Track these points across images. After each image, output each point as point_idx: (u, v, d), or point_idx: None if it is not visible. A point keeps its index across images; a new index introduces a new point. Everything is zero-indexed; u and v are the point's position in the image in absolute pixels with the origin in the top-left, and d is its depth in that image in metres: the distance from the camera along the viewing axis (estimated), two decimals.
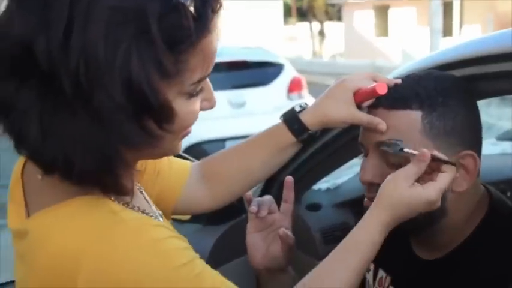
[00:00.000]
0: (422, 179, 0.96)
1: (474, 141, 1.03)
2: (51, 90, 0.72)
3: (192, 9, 0.76)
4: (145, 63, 0.73)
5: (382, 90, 1.01)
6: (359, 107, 1.08)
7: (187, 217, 1.58)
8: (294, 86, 6.23)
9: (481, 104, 1.07)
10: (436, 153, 0.96)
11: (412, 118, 1.00)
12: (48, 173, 0.78)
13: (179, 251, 0.81)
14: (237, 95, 5.72)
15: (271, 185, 1.79)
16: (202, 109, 0.88)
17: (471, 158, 1.00)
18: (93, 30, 0.70)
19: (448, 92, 1.01)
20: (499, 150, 2.38)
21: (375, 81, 1.07)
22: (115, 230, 0.78)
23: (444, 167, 0.96)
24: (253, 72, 6.12)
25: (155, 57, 0.73)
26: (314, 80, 11.90)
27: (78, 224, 0.79)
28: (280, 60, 6.48)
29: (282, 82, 6.20)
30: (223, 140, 5.25)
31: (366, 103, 1.07)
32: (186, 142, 1.35)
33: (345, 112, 1.08)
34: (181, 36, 0.75)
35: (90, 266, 0.75)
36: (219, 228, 1.74)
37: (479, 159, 1.03)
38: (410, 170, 0.95)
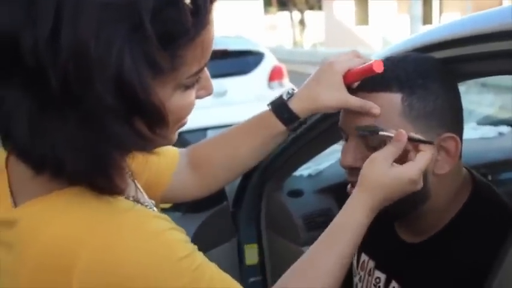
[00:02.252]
0: (400, 160, 0.95)
1: (455, 124, 1.03)
2: (39, 89, 0.69)
3: (189, 1, 0.72)
4: (138, 61, 0.69)
5: (379, 68, 0.98)
6: (349, 88, 1.05)
7: (167, 205, 1.57)
8: (274, 75, 6.21)
9: (461, 90, 1.06)
10: (413, 134, 0.96)
11: (391, 100, 0.99)
12: (38, 172, 0.74)
13: (180, 243, 0.79)
14: (218, 84, 5.68)
15: (252, 173, 1.79)
16: (199, 97, 0.85)
17: (452, 140, 1.00)
18: (83, 27, 0.66)
19: (427, 74, 1.00)
20: (480, 135, 2.40)
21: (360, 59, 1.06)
22: (115, 221, 0.75)
23: (422, 146, 0.96)
24: (234, 61, 6.08)
25: (149, 55, 0.70)
26: (295, 68, 11.92)
27: (74, 213, 0.75)
28: (261, 49, 6.46)
29: (262, 71, 6.19)
30: (204, 130, 5.19)
31: (355, 84, 1.05)
32: None
33: (336, 97, 1.05)
34: (178, 32, 0.72)
35: (90, 257, 0.71)
36: (199, 216, 1.73)
37: (461, 142, 1.02)
38: (388, 151, 0.95)
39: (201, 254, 0.81)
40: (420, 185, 0.96)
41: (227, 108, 5.59)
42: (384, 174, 0.94)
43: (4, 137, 0.75)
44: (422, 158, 0.95)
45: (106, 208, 0.76)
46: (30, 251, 0.73)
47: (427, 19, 17.37)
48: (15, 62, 0.68)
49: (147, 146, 0.77)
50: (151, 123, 0.74)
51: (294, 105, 1.11)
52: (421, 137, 0.97)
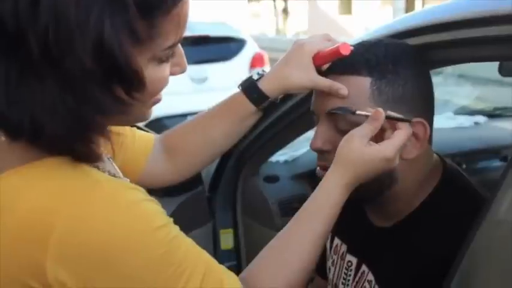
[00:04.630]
0: (377, 138, 0.96)
1: (425, 109, 1.03)
2: (18, 53, 0.69)
3: None
4: (118, 28, 0.70)
5: (346, 51, 0.99)
6: (319, 70, 1.06)
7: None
8: (256, 62, 6.19)
9: (438, 81, 1.07)
10: (390, 112, 0.96)
11: (361, 84, 0.99)
12: (15, 138, 0.74)
13: (156, 213, 0.79)
14: (199, 70, 5.65)
15: (228, 158, 1.79)
16: (172, 74, 0.85)
17: (421, 125, 1.00)
18: None
19: (398, 59, 1.01)
20: (456, 124, 2.41)
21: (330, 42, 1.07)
22: (91, 191, 0.75)
23: (399, 124, 0.96)
24: (216, 48, 6.04)
25: (128, 22, 0.70)
26: (277, 56, 11.72)
27: (51, 183, 0.75)
28: (243, 36, 6.43)
29: (244, 57, 6.15)
30: (184, 116, 5.18)
31: (325, 66, 1.06)
32: None
33: (305, 77, 1.06)
34: (156, 1, 0.73)
35: (65, 226, 0.71)
36: (175, 200, 1.73)
37: (431, 128, 1.03)
38: (365, 129, 0.95)
39: (176, 227, 0.81)
40: (396, 163, 0.96)
41: (208, 94, 5.54)
42: (360, 152, 0.94)
43: None
44: (399, 136, 0.95)
45: (82, 178, 0.76)
46: (7, 222, 0.73)
47: (409, 10, 17.40)
48: None
49: (125, 111, 0.77)
50: (129, 86, 0.75)
51: (264, 85, 1.12)
52: (399, 115, 0.97)
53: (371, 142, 0.95)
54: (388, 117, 0.96)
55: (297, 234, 0.94)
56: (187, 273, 0.78)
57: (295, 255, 0.92)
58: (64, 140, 0.74)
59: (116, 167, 0.96)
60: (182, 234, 0.82)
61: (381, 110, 0.94)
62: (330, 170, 0.97)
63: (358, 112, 0.97)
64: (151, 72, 0.78)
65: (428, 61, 1.07)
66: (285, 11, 27.12)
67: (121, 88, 0.74)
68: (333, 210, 0.94)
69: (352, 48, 1.01)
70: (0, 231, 0.73)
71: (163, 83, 0.83)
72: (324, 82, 1.03)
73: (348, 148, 0.95)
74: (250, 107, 1.14)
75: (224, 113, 1.17)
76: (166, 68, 0.82)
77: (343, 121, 1.01)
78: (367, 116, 0.96)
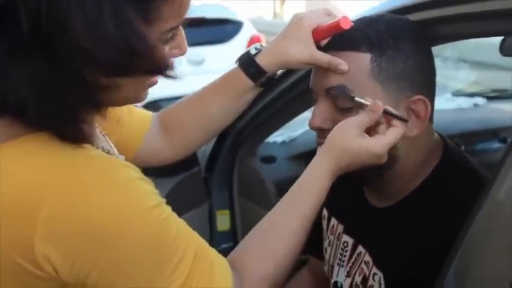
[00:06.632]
0: (370, 130, 0.95)
1: (426, 86, 1.01)
2: (9, 30, 0.67)
3: None
4: (118, 9, 0.68)
5: (346, 25, 0.97)
6: (318, 46, 1.04)
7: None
8: (253, 44, 6.17)
9: (437, 64, 1.05)
10: (388, 108, 0.95)
11: (360, 60, 0.97)
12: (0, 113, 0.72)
13: (148, 193, 0.77)
14: (196, 53, 5.63)
15: (225, 138, 1.77)
16: (172, 56, 0.82)
17: (422, 102, 0.98)
18: None
19: (399, 35, 0.98)
20: (455, 106, 2.40)
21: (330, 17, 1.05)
22: (82, 166, 0.73)
23: (395, 121, 0.95)
24: (212, 30, 6.03)
25: (129, 4, 0.69)
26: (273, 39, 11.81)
27: (40, 158, 0.72)
28: (239, 18, 6.42)
29: (241, 40, 6.13)
30: (181, 98, 5.19)
31: (325, 41, 1.04)
32: None
33: (304, 52, 1.04)
34: None
35: (54, 203, 0.69)
36: (170, 181, 1.72)
37: (432, 105, 1.01)
38: (361, 120, 0.94)
39: (169, 208, 0.80)
40: (384, 159, 0.95)
41: (204, 76, 5.50)
42: (352, 141, 0.93)
43: None
44: (393, 134, 0.94)
45: (73, 154, 0.74)
46: None
47: None
48: None
49: (117, 90, 0.75)
50: (126, 71, 0.73)
51: (261, 60, 1.10)
52: (397, 112, 0.95)
53: (365, 134, 0.94)
54: (385, 112, 0.94)
55: (283, 218, 0.93)
56: (178, 254, 0.77)
57: (282, 238, 0.91)
58: (51, 120, 0.72)
59: (111, 144, 0.94)
60: (174, 215, 0.80)
61: (379, 103, 0.93)
62: (318, 152, 0.96)
63: (356, 99, 0.95)
64: None
65: (430, 37, 1.05)
66: None
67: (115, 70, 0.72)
68: (318, 194, 0.94)
69: (352, 22, 0.98)
70: None
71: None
72: (323, 57, 1.00)
73: (340, 134, 0.94)
74: (248, 82, 1.12)
75: (222, 88, 1.15)
76: (165, 50, 0.80)
77: (342, 99, 0.99)
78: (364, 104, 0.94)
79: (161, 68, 0.76)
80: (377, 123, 0.95)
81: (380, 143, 0.93)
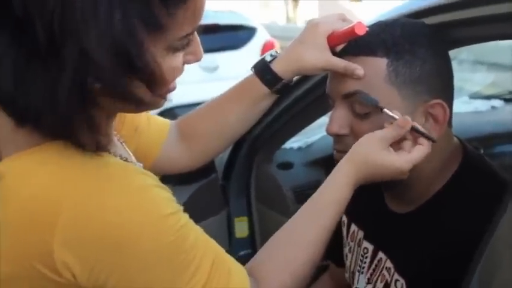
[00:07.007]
0: (393, 144, 0.94)
1: (444, 90, 1.00)
2: (26, 39, 0.67)
3: None
4: (131, 18, 0.68)
5: (361, 31, 0.97)
6: (333, 52, 1.04)
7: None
8: (267, 50, 6.12)
9: (454, 67, 1.04)
10: (417, 125, 0.94)
11: (377, 65, 0.97)
12: (20, 122, 0.73)
13: (166, 200, 0.77)
14: (209, 59, 5.63)
15: (241, 145, 1.77)
16: (187, 63, 0.83)
17: (440, 107, 0.98)
18: None
19: (415, 39, 0.98)
20: (472, 109, 2.38)
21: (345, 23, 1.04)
22: (100, 173, 0.74)
23: (421, 140, 0.95)
24: (226, 36, 6.02)
25: (142, 12, 0.68)
26: (288, 45, 11.82)
27: (59, 165, 0.73)
28: (253, 24, 6.41)
29: (254, 46, 6.13)
30: (195, 105, 5.14)
31: (340, 46, 1.03)
32: None
33: (319, 58, 1.04)
34: None
35: (72, 210, 0.70)
36: (188, 189, 1.72)
37: (450, 109, 1.00)
38: (388, 133, 0.93)
39: (186, 215, 0.80)
40: (406, 176, 0.95)
41: (218, 83, 5.52)
42: (377, 154, 0.93)
43: None
44: (418, 153, 0.94)
45: (90, 161, 0.74)
46: (15, 205, 0.72)
47: None
48: (4, 11, 0.67)
49: (129, 103, 0.75)
50: (142, 80, 0.73)
51: (277, 67, 1.10)
52: (425, 131, 0.95)
53: (390, 148, 0.93)
54: (413, 129, 0.94)
55: (303, 228, 0.93)
56: (196, 262, 0.77)
57: (302, 247, 0.91)
58: (67, 130, 0.72)
59: (129, 152, 0.95)
60: (192, 223, 0.81)
61: (408, 118, 0.93)
62: (341, 162, 0.96)
63: (385, 111, 0.94)
64: (166, 61, 0.76)
65: (446, 40, 1.04)
66: None
67: (134, 80, 0.72)
68: (340, 206, 0.94)
69: (367, 28, 0.98)
70: (8, 214, 0.72)
71: (178, 72, 0.81)
72: (339, 63, 1.00)
73: (365, 146, 0.94)
74: (264, 89, 1.12)
75: (238, 96, 1.16)
76: (179, 57, 0.80)
77: (360, 105, 0.98)
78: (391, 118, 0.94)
79: (157, 84, 0.75)
80: (402, 138, 0.95)
81: (405, 160, 0.93)
